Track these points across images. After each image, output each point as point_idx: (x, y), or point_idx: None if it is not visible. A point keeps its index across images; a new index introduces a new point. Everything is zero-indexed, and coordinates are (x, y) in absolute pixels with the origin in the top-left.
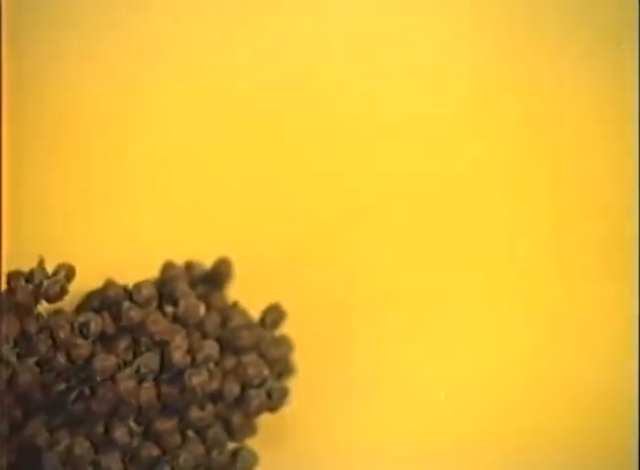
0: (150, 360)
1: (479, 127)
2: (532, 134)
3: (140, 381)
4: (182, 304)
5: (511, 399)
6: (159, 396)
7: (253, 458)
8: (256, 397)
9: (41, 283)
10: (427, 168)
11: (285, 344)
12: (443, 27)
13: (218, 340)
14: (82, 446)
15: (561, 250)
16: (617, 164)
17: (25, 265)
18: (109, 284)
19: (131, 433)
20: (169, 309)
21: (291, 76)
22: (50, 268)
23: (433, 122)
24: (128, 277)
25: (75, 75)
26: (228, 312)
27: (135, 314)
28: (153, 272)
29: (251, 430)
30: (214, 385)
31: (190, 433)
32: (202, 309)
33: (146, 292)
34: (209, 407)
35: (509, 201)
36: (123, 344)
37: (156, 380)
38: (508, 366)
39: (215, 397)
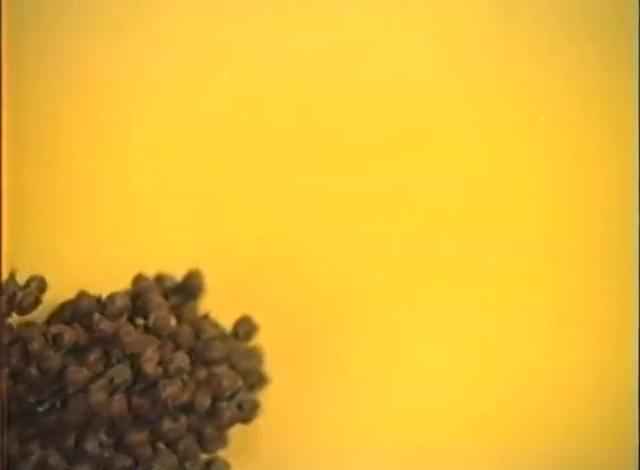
0: (122, 372)
1: (476, 129)
2: (532, 135)
3: (112, 393)
4: (153, 315)
5: (502, 402)
6: (130, 407)
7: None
8: (228, 408)
9: (14, 295)
10: (411, 170)
11: (256, 355)
12: (444, 31)
13: (190, 352)
14: (55, 458)
15: (559, 253)
16: (616, 165)
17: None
18: (81, 295)
19: (103, 444)
20: (141, 321)
21: (271, 90)
22: (21, 279)
23: (428, 126)
24: (100, 289)
25: (76, 76)
26: (200, 324)
27: (106, 326)
28: (124, 284)
29: (222, 441)
30: (186, 396)
31: (162, 445)
32: (173, 321)
33: (119, 303)
34: (181, 419)
35: (505, 202)
36: (95, 355)
37: (127, 392)
38: (492, 367)
39: (187, 408)
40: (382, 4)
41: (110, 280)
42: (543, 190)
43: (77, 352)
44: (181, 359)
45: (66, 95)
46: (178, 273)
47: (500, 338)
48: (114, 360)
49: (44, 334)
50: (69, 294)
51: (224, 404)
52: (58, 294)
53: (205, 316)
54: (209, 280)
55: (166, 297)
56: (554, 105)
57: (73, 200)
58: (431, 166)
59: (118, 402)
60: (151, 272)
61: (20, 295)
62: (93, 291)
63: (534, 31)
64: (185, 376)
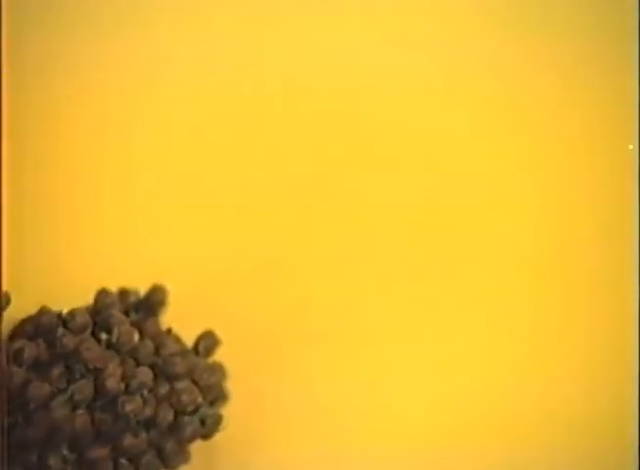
0: (83, 388)
1: (475, 131)
2: (531, 136)
3: (74, 408)
4: (116, 330)
5: (500, 403)
6: (93, 423)
7: None
8: (190, 423)
9: None
10: (402, 174)
11: (218, 371)
12: (444, 32)
13: (152, 367)
14: None
15: (558, 253)
16: (616, 165)
17: None
18: (43, 311)
19: (66, 460)
20: (104, 336)
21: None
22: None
23: (426, 128)
24: (63, 304)
25: (76, 76)
26: (162, 339)
27: (69, 341)
28: (87, 299)
29: (184, 457)
30: (148, 412)
31: (123, 460)
32: (136, 336)
33: (80, 319)
34: (142, 435)
35: (502, 203)
36: (57, 371)
37: (90, 407)
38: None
39: (150, 423)
40: (382, 5)
41: (73, 296)
42: (541, 191)
43: (40, 367)
44: (143, 375)
45: (66, 95)
46: (142, 288)
47: (498, 338)
48: (77, 376)
49: (5, 350)
50: (33, 310)
51: (186, 419)
52: (21, 310)
53: (169, 331)
54: (173, 295)
55: (129, 312)
56: (553, 105)
57: (34, 215)
58: (427, 169)
59: (81, 418)
60: (114, 287)
61: None
62: (56, 307)
63: (534, 31)
64: (145, 392)
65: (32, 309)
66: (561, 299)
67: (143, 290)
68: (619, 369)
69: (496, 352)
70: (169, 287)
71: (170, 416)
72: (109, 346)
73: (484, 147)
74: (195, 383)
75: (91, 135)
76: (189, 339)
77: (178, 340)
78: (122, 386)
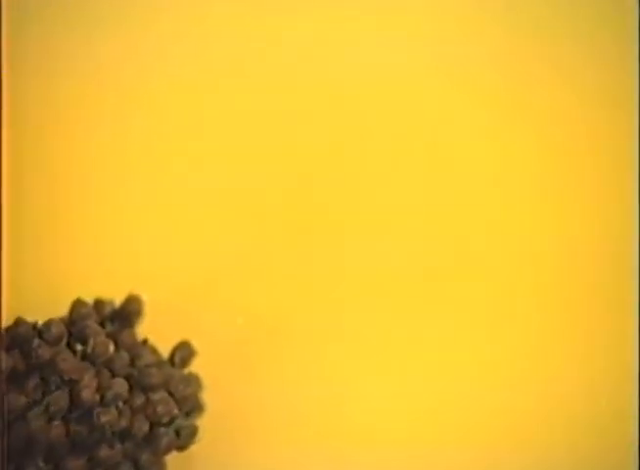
0: (58, 399)
1: (474, 130)
2: (530, 136)
3: (49, 419)
4: (92, 341)
5: (499, 403)
6: (68, 434)
7: None
8: (165, 435)
9: None
10: (387, 178)
11: (194, 382)
12: (444, 32)
13: (128, 378)
14: None
15: (556, 254)
16: (617, 165)
17: None
18: (18, 321)
19: None
20: (79, 347)
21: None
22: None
23: (426, 129)
24: (38, 315)
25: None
26: (138, 350)
27: (45, 352)
28: (62, 310)
29: (160, 468)
30: (123, 423)
31: None
32: (111, 347)
33: (55, 330)
34: (118, 446)
35: (501, 204)
36: (33, 382)
37: (65, 418)
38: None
39: (125, 434)
40: (382, 4)
41: (48, 306)
42: (540, 190)
43: (16, 378)
44: (119, 386)
45: (65, 95)
46: (117, 298)
47: (498, 338)
48: (52, 387)
49: None
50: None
51: (161, 431)
52: None
53: (144, 342)
54: (149, 305)
55: (105, 322)
56: (553, 104)
57: (9, 225)
58: (427, 170)
59: (56, 429)
60: (89, 298)
61: None
62: (32, 318)
63: (534, 31)
64: (121, 403)
65: (8, 321)
66: (561, 299)
67: (118, 300)
68: (619, 369)
69: (496, 351)
70: (145, 297)
71: (146, 427)
72: (84, 357)
73: (484, 147)
74: (170, 394)
75: (90, 135)
76: (165, 350)
77: (154, 351)
78: (98, 397)
